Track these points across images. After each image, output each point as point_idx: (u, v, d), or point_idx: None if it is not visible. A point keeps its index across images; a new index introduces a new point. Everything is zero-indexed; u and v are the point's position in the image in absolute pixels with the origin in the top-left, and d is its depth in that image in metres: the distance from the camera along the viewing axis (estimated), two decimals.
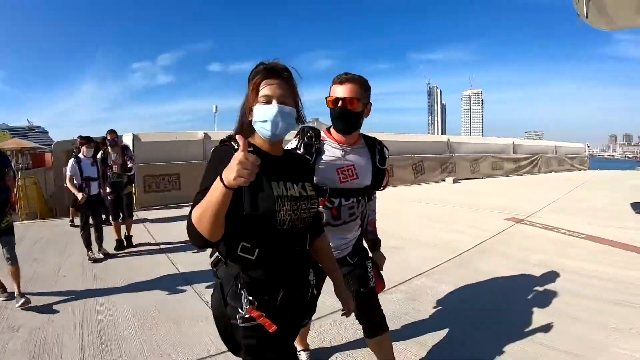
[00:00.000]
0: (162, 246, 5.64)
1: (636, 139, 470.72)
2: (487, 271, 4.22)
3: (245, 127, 1.35)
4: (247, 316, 1.22)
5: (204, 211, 1.07)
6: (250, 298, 1.23)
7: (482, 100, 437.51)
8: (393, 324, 2.79)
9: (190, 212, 1.13)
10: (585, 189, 11.86)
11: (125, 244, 5.61)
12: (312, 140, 1.87)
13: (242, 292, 1.24)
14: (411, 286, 3.82)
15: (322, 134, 1.94)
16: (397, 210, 8.29)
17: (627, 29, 5.16)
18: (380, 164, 1.99)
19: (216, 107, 20.43)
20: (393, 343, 2.12)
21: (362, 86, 1.83)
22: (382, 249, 2.18)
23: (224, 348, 1.52)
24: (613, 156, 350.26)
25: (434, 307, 3.34)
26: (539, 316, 3.07)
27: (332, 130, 1.93)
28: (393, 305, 3.35)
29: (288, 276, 1.34)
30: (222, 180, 1.03)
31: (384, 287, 2.19)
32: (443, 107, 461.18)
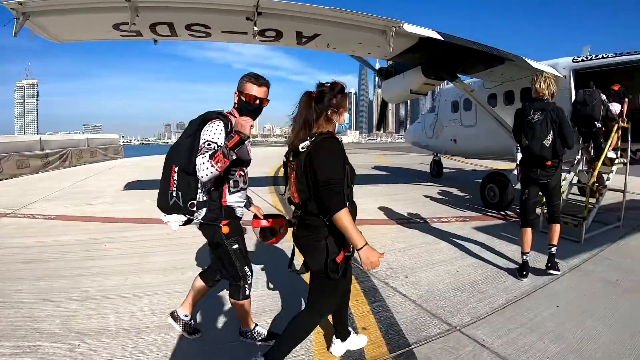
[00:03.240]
0: None
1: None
2: None
3: (332, 123, 2.19)
4: (348, 254, 2.15)
5: (345, 227, 1.94)
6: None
7: (37, 92, 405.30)
8: None
9: (344, 197, 2.02)
10: (99, 176, 13.74)
11: None
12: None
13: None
14: None
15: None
16: None
17: (71, 42, 6.10)
18: None
19: None
20: None
21: (269, 88, 2.50)
22: None
23: None
24: (167, 143, 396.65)
25: None
26: None
27: (237, 116, 2.43)
28: None
29: None
30: (364, 246, 1.94)
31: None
32: None
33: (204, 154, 2.20)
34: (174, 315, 2.81)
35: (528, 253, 4.08)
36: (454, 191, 9.75)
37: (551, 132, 3.88)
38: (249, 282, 2.57)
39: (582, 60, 7.22)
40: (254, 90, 2.45)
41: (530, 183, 4.17)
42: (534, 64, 7.08)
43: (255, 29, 5.05)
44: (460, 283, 3.90)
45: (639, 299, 3.51)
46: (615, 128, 6.07)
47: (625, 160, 6.24)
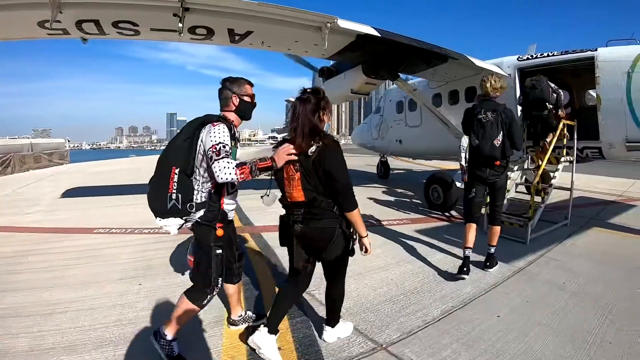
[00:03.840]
0: None
1: (141, 130, 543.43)
2: None
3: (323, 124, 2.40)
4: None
5: (357, 221, 2.38)
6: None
7: None
8: None
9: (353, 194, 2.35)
10: (40, 183, 12.92)
11: None
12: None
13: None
14: None
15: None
16: None
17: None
18: None
19: None
20: None
21: None
22: None
23: None
24: (119, 147, 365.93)
25: None
26: None
27: (233, 118, 2.52)
28: None
29: None
30: (367, 235, 2.46)
31: None
32: None
33: (225, 157, 2.20)
34: (232, 321, 2.95)
35: (470, 248, 3.92)
36: (400, 192, 9.54)
37: (501, 132, 3.88)
38: (214, 293, 2.48)
39: (527, 58, 7.14)
40: (251, 90, 2.59)
41: (477, 182, 4.07)
42: (478, 62, 6.97)
43: (180, 25, 4.80)
44: (394, 293, 3.49)
45: (587, 303, 3.24)
46: (560, 125, 5.91)
47: (572, 158, 6.15)
